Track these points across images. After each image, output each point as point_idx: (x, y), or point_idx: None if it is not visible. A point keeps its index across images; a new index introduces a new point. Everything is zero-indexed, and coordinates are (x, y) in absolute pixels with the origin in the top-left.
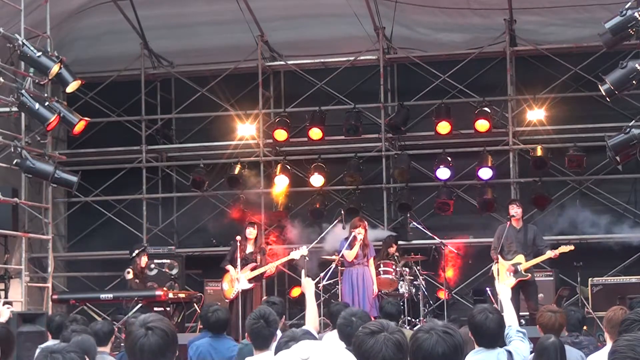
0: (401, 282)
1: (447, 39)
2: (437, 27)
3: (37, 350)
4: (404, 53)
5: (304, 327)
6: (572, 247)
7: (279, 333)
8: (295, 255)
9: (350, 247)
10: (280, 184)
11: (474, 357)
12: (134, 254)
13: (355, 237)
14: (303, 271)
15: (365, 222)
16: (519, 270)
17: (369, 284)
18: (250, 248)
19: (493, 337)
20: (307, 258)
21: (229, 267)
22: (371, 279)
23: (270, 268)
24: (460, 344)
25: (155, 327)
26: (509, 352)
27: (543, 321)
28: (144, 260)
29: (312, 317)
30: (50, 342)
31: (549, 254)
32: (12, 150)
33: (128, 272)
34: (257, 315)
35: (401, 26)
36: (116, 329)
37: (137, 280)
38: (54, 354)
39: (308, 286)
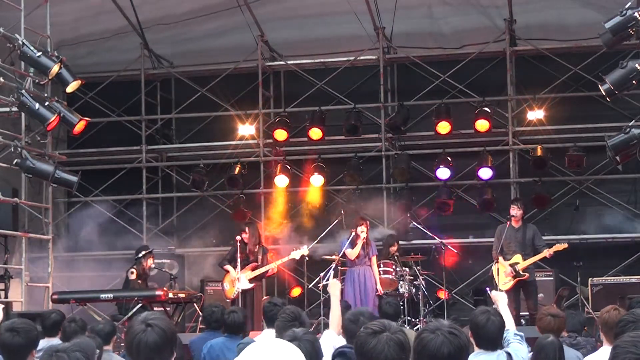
0: (401, 282)
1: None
2: None
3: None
4: (404, 53)
5: (327, 329)
6: (565, 245)
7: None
8: (295, 255)
9: (352, 245)
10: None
11: (474, 359)
12: (139, 255)
13: (357, 235)
14: (331, 274)
15: (367, 221)
16: (517, 270)
17: (371, 284)
18: (249, 248)
19: (493, 339)
20: (307, 258)
21: (229, 267)
22: (374, 279)
23: (271, 267)
24: (465, 344)
25: (155, 325)
26: (509, 354)
27: (542, 325)
28: (149, 262)
29: (335, 319)
30: (45, 342)
31: (544, 253)
32: (12, 150)
33: (132, 272)
34: (292, 317)
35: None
36: None
37: (139, 281)
38: (59, 353)
39: (334, 288)
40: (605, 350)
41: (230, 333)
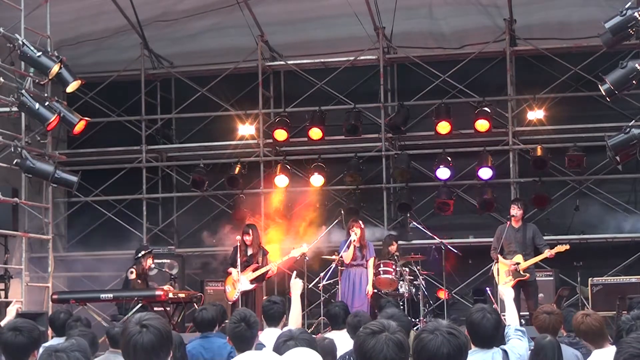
0: (401, 282)
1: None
2: None
3: (40, 349)
4: (404, 53)
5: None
6: (567, 247)
7: (278, 332)
8: (295, 253)
9: (348, 248)
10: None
11: (470, 358)
12: (139, 255)
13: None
14: (294, 273)
15: (360, 222)
16: (518, 269)
17: (365, 285)
18: (250, 250)
19: (488, 337)
20: (307, 258)
21: (231, 269)
22: (367, 280)
23: (271, 268)
24: (464, 344)
25: (150, 326)
26: (504, 351)
27: (538, 323)
28: (149, 262)
29: (295, 317)
30: (55, 341)
31: (546, 253)
32: (12, 150)
33: (131, 272)
34: (237, 319)
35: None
36: None
37: (139, 281)
38: (58, 353)
39: (295, 287)
40: (597, 354)
41: (202, 331)
